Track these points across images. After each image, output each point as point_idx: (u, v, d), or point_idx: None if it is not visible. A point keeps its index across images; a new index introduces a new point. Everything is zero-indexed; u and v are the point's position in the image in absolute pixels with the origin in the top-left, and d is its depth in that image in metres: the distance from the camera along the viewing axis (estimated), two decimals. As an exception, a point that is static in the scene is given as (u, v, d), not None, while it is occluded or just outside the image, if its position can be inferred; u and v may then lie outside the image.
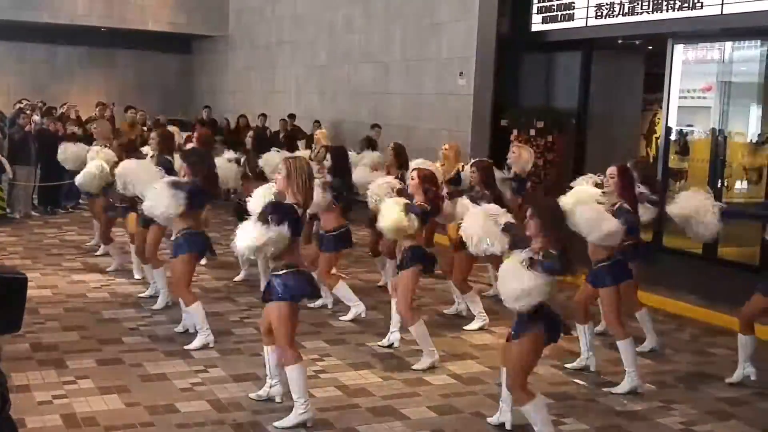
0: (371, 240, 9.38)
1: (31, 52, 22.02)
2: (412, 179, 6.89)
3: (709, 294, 8.69)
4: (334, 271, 8.23)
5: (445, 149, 9.64)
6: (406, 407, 5.81)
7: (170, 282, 7.37)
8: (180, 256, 6.96)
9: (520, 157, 8.81)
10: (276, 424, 5.36)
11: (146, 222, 8.25)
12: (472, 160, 8.32)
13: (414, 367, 6.67)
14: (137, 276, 9.23)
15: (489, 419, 5.60)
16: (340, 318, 8.03)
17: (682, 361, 7.24)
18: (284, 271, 5.29)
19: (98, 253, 10.64)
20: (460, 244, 7.78)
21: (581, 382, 6.53)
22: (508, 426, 5.49)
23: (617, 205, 6.41)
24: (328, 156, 8.31)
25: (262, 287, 6.07)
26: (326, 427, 5.44)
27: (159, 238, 8.30)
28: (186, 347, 6.93)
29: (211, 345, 6.97)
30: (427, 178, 6.82)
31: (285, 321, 5.29)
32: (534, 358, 5.14)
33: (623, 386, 6.34)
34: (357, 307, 8.01)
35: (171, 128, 10.74)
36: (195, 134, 11.13)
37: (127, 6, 21.07)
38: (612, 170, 6.55)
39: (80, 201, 14.77)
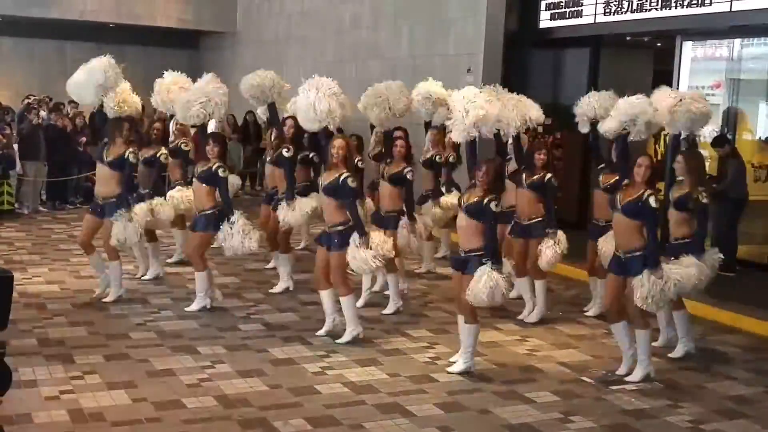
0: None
1: (39, 48, 22.01)
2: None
3: (717, 292, 8.63)
4: None
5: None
6: (413, 404, 5.81)
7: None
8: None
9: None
10: (338, 340, 7.02)
11: None
12: None
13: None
14: (148, 275, 9.21)
15: None
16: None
17: (690, 359, 7.20)
18: (342, 227, 6.96)
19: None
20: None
21: (588, 380, 6.52)
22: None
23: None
24: None
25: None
26: (332, 423, 5.44)
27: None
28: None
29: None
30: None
31: (344, 264, 7.02)
32: None
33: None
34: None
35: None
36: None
37: (136, 2, 21.07)
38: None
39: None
